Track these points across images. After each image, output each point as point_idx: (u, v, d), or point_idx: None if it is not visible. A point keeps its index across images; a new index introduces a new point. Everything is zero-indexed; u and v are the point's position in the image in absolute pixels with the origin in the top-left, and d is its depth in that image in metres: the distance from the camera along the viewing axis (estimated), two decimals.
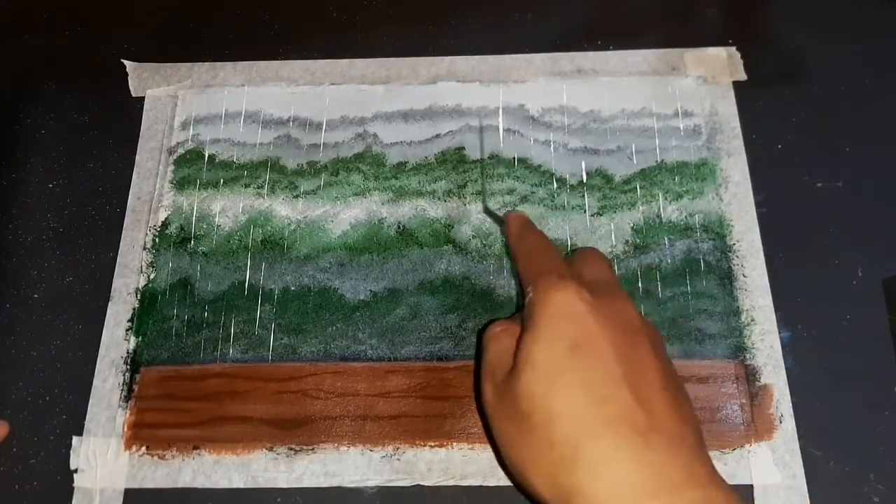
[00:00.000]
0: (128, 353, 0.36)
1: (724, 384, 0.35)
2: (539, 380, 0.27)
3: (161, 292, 0.37)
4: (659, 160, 0.39)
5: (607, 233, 0.38)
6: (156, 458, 0.34)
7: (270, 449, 0.34)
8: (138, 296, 0.37)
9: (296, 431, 0.34)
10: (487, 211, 0.38)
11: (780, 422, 0.34)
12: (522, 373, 0.28)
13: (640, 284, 0.37)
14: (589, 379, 0.27)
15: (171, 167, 0.40)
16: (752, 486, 0.33)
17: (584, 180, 0.39)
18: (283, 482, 0.33)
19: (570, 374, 0.27)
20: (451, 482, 0.33)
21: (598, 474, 0.25)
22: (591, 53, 0.43)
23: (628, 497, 0.25)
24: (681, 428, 0.26)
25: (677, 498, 0.25)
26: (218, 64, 0.43)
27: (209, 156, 0.41)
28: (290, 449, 0.34)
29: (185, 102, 0.42)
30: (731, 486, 0.27)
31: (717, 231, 0.38)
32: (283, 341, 0.36)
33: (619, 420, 0.26)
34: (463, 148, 0.40)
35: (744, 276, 0.37)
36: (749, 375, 0.35)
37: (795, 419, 0.34)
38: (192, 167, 0.40)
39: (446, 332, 0.36)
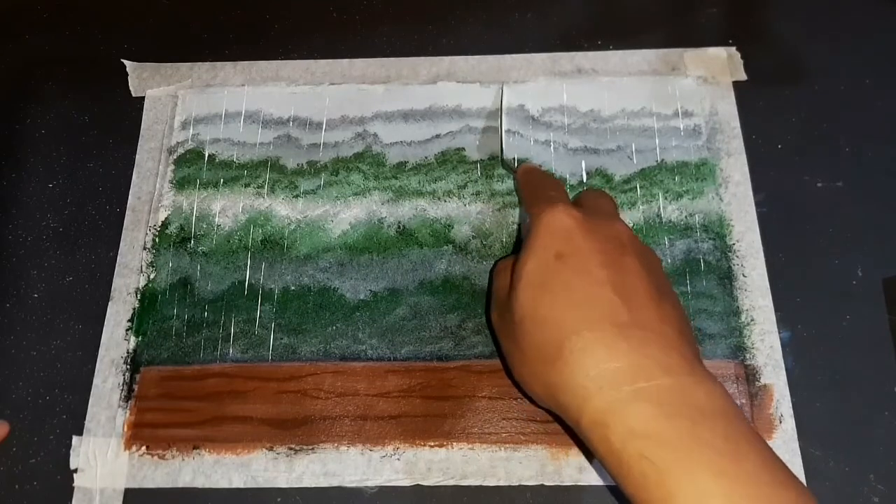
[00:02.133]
0: (128, 352, 0.36)
1: (724, 384, 0.34)
2: (529, 289, 0.29)
3: (161, 292, 0.37)
4: (659, 160, 0.40)
5: None
6: (156, 457, 0.34)
7: (270, 449, 0.34)
8: (138, 296, 0.37)
9: (296, 431, 0.34)
10: (504, 163, 0.39)
11: (780, 422, 0.34)
12: (516, 286, 0.30)
13: None
14: (573, 283, 0.29)
15: (171, 167, 0.40)
16: None
17: (584, 180, 0.39)
18: (283, 482, 0.33)
19: (557, 280, 0.29)
20: (451, 482, 0.33)
21: (577, 366, 0.27)
22: (591, 53, 0.43)
23: (605, 384, 0.26)
24: (659, 325, 0.28)
25: (649, 384, 0.26)
26: (218, 64, 0.43)
27: (209, 156, 0.41)
28: (290, 449, 0.34)
29: (185, 102, 0.42)
30: None
31: (717, 231, 0.38)
32: (283, 341, 0.36)
33: (600, 317, 0.28)
34: (463, 149, 0.40)
35: (744, 276, 0.37)
36: (749, 375, 0.35)
37: (795, 419, 0.34)
38: (192, 167, 0.40)
39: (446, 332, 0.36)
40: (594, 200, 0.34)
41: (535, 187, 0.35)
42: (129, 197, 0.40)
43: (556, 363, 0.28)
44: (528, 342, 0.29)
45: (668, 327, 0.28)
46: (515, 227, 0.38)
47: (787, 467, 0.26)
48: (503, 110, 0.40)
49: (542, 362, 0.28)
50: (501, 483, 0.33)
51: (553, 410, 0.30)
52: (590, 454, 0.33)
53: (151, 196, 0.40)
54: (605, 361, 0.27)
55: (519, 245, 0.35)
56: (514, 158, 0.39)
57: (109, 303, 0.37)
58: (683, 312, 0.31)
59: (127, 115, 0.42)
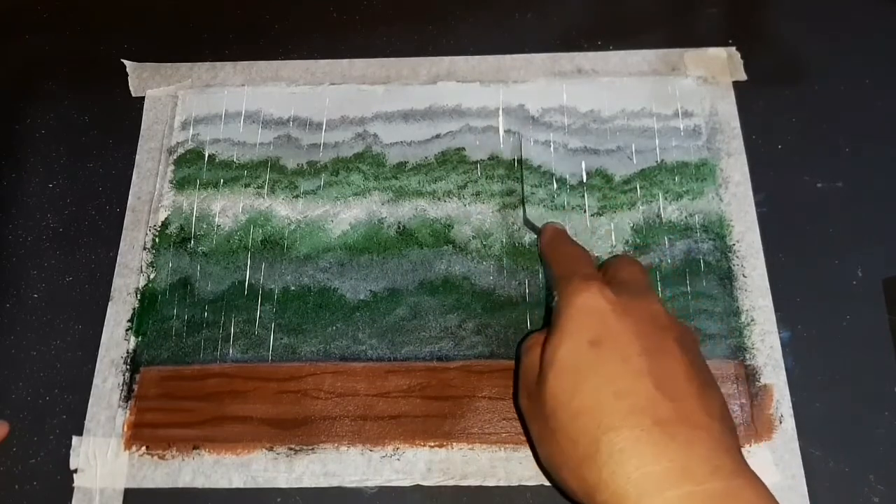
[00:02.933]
0: (128, 352, 0.36)
1: (724, 384, 0.34)
2: (562, 378, 0.28)
3: (161, 292, 0.37)
4: (659, 160, 0.39)
5: (607, 233, 0.38)
6: (156, 457, 0.34)
7: (270, 449, 0.34)
8: (138, 296, 0.37)
9: (296, 431, 0.34)
10: (527, 222, 0.38)
11: (780, 422, 0.34)
12: (547, 373, 0.28)
13: None
14: (610, 373, 0.27)
15: (171, 167, 0.40)
16: None
17: (584, 180, 0.39)
18: (282, 482, 0.33)
19: (592, 369, 0.27)
20: (451, 482, 0.33)
21: (618, 466, 0.25)
22: (591, 53, 0.43)
23: (649, 489, 0.25)
24: (705, 419, 0.26)
25: (698, 489, 0.24)
26: (218, 64, 0.43)
27: (209, 156, 0.41)
28: (290, 449, 0.34)
29: (185, 102, 0.42)
30: None
31: (717, 231, 0.38)
32: (283, 341, 0.36)
33: (640, 411, 0.26)
34: (463, 149, 0.40)
35: (744, 276, 0.37)
36: (749, 375, 0.35)
37: (795, 419, 0.34)
38: (192, 167, 0.40)
39: (446, 332, 0.36)
40: (626, 272, 0.32)
41: (563, 257, 0.33)
42: (129, 197, 0.40)
43: (593, 461, 0.26)
44: (561, 432, 0.27)
45: (713, 421, 0.26)
46: (515, 227, 0.38)
47: None
48: (523, 165, 0.39)
49: (578, 458, 0.26)
50: (501, 483, 0.33)
51: None
52: None
53: (151, 196, 0.40)
54: (649, 464, 0.25)
55: (548, 319, 0.34)
56: (514, 159, 0.39)
57: (109, 303, 0.37)
58: (723, 398, 0.29)
59: (127, 115, 0.42)
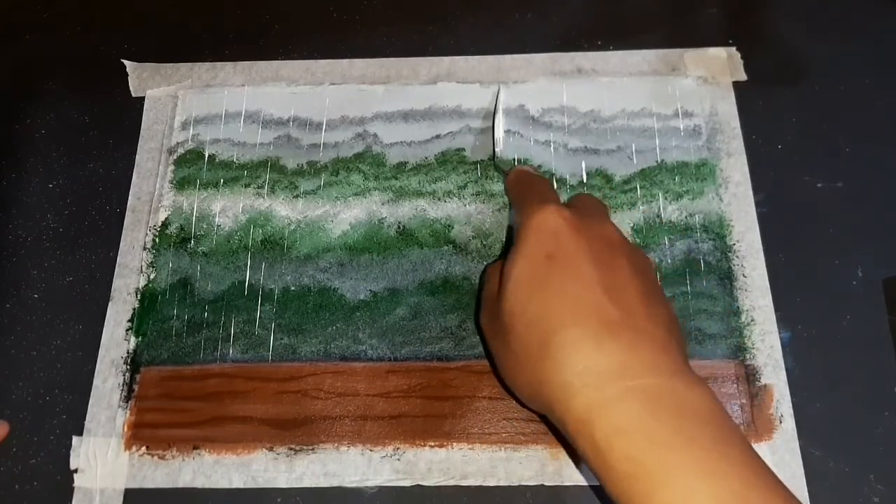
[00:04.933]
0: (128, 353, 0.36)
1: (725, 384, 0.35)
2: (518, 290, 0.29)
3: (161, 292, 0.37)
4: (659, 160, 0.39)
5: None
6: (156, 458, 0.34)
7: (270, 449, 0.34)
8: (138, 296, 0.37)
9: (296, 431, 0.34)
10: (497, 167, 0.39)
11: (780, 422, 0.34)
12: (505, 288, 0.30)
13: None
14: (563, 283, 0.28)
15: (171, 167, 0.40)
16: None
17: (584, 180, 0.39)
18: (283, 482, 0.33)
19: (545, 280, 0.29)
20: (451, 482, 0.33)
21: (563, 362, 0.27)
22: (591, 53, 0.43)
23: (590, 383, 0.26)
24: (650, 326, 0.28)
25: (636, 383, 0.26)
26: (218, 64, 0.43)
27: (209, 156, 0.41)
28: (290, 449, 0.34)
29: (185, 102, 0.42)
30: None
31: (717, 231, 0.38)
32: (283, 341, 0.36)
33: (588, 314, 0.27)
34: (463, 149, 0.40)
35: (744, 276, 0.37)
36: (749, 375, 0.35)
37: (795, 419, 0.34)
38: (192, 167, 0.40)
39: (446, 332, 0.36)
40: (585, 201, 0.34)
41: (525, 188, 0.35)
42: (129, 197, 0.40)
43: (542, 360, 0.28)
44: (516, 342, 0.29)
45: (657, 328, 0.28)
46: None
47: (774, 473, 0.26)
48: (499, 111, 0.40)
49: (529, 360, 0.28)
50: (501, 483, 0.33)
51: (539, 411, 0.30)
52: (576, 456, 0.33)
53: (151, 196, 0.40)
54: (592, 358, 0.27)
55: (508, 248, 0.35)
56: (514, 159, 0.39)
57: (109, 303, 0.37)
58: (674, 315, 0.30)
59: (127, 115, 0.42)
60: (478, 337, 0.36)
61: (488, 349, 0.33)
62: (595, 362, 0.27)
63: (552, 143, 0.40)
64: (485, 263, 0.37)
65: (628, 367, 0.26)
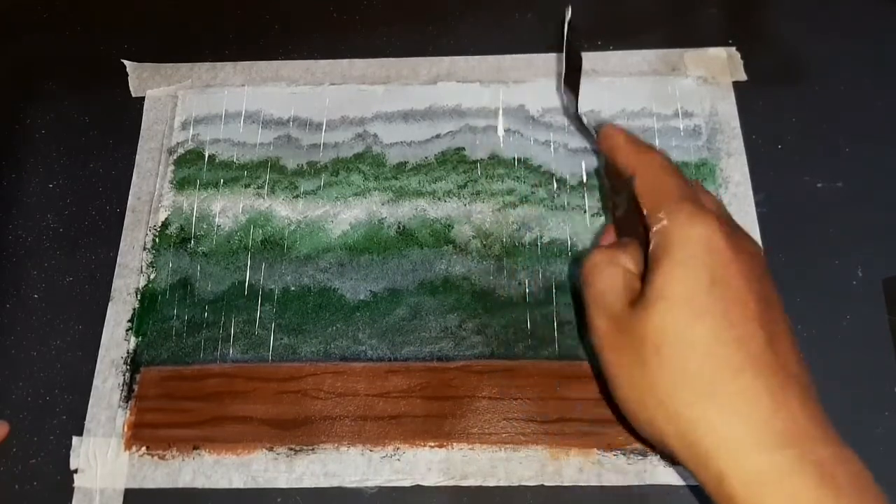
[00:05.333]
0: (128, 353, 0.36)
1: None
2: (675, 311, 0.26)
3: (161, 292, 0.37)
4: None
5: None
6: (156, 458, 0.34)
7: (270, 449, 0.34)
8: (138, 296, 0.37)
9: (296, 431, 0.34)
10: (576, 117, 0.34)
11: None
12: (656, 303, 0.27)
13: None
14: (728, 315, 0.26)
15: (171, 167, 0.40)
16: None
17: (584, 180, 0.39)
18: (283, 482, 0.33)
19: (710, 308, 0.26)
20: (451, 482, 0.33)
21: (733, 412, 0.25)
22: (591, 53, 0.42)
23: (765, 444, 0.24)
24: (806, 376, 0.26)
25: (814, 449, 0.24)
26: (218, 64, 0.43)
27: (209, 156, 0.41)
28: (290, 449, 0.34)
29: (185, 102, 0.42)
30: None
31: None
32: (283, 341, 0.36)
33: (756, 360, 0.25)
34: (463, 148, 0.40)
35: None
36: None
37: None
38: (192, 167, 0.40)
39: (446, 332, 0.36)
40: (708, 196, 0.31)
41: (657, 171, 0.30)
42: (129, 197, 0.40)
43: (703, 399, 0.25)
44: (665, 370, 0.26)
45: (807, 374, 0.26)
46: (515, 227, 0.38)
47: None
48: (567, 38, 0.36)
49: (681, 393, 0.26)
50: (501, 483, 0.33)
51: (661, 446, 0.27)
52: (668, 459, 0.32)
53: (151, 196, 0.40)
54: (771, 415, 0.24)
55: (610, 221, 0.32)
56: (513, 158, 0.39)
57: (109, 303, 0.37)
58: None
59: (127, 115, 0.42)
60: (478, 337, 0.36)
61: (601, 358, 0.29)
62: (767, 421, 0.24)
63: (552, 143, 0.40)
64: (484, 263, 0.37)
65: (802, 429, 0.24)
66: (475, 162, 0.40)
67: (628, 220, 0.31)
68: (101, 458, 0.34)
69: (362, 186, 0.40)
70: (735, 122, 0.40)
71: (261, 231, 0.39)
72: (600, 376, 0.31)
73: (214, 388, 0.35)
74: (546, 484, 0.33)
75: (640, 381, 0.27)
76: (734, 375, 0.25)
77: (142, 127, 0.42)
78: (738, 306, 0.26)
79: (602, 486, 0.33)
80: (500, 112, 0.41)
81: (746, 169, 0.39)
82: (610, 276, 0.29)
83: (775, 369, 0.25)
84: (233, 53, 0.44)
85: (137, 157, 0.41)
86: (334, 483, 0.33)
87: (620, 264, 0.29)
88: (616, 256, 0.30)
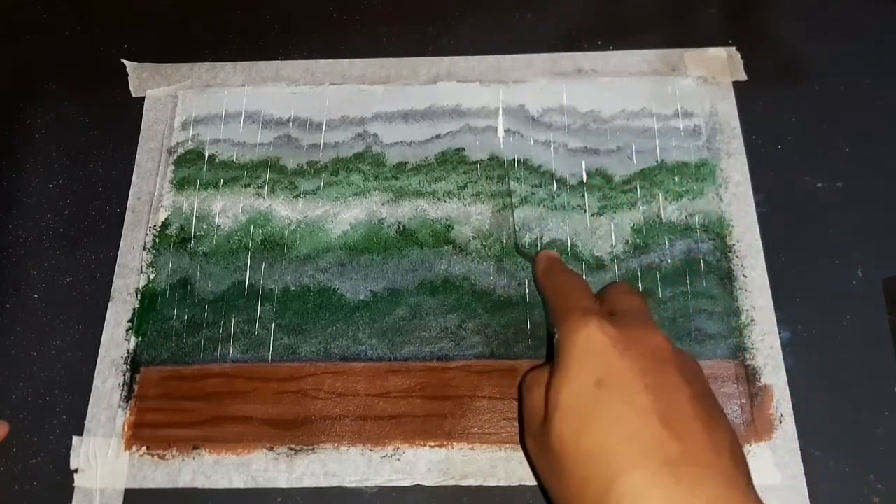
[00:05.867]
0: (128, 353, 0.36)
1: (724, 384, 0.35)
2: (568, 420, 0.27)
3: (161, 292, 0.37)
4: (659, 160, 0.39)
5: (607, 233, 0.38)
6: (156, 458, 0.34)
7: (270, 449, 0.34)
8: (138, 296, 0.37)
9: (296, 431, 0.34)
10: (519, 250, 0.37)
11: (780, 422, 0.34)
12: (553, 415, 0.28)
13: (640, 284, 0.37)
14: (617, 414, 0.26)
15: (171, 167, 0.40)
16: None
17: (584, 180, 0.39)
18: (283, 482, 0.33)
19: (598, 412, 0.27)
20: (451, 482, 0.33)
21: None
22: (591, 53, 0.43)
23: None
24: (713, 457, 0.26)
25: None
26: (218, 64, 0.43)
27: (209, 156, 0.41)
28: (291, 449, 0.34)
29: (185, 102, 0.42)
30: None
31: (717, 231, 0.38)
32: (283, 341, 0.36)
33: (649, 453, 0.25)
34: (463, 149, 0.40)
35: (744, 276, 0.37)
36: (749, 375, 0.35)
37: (795, 419, 0.34)
38: (192, 167, 0.40)
39: (446, 332, 0.36)
40: (625, 302, 0.31)
41: (559, 287, 0.32)
42: (129, 197, 0.40)
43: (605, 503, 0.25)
44: (572, 479, 0.27)
45: (721, 458, 0.26)
46: (515, 228, 0.38)
47: None
48: (515, 195, 0.39)
49: (588, 501, 0.26)
50: (501, 483, 0.33)
51: None
52: None
53: (151, 196, 0.40)
54: None
55: (550, 349, 0.34)
56: (514, 160, 0.39)
57: (109, 303, 0.37)
58: (734, 432, 0.28)
59: (127, 115, 0.42)
60: (477, 337, 0.36)
61: (536, 471, 0.31)
62: None
63: (552, 143, 0.40)
64: (484, 263, 0.37)
65: None
66: (475, 162, 0.40)
67: None
68: (102, 458, 0.34)
69: (362, 186, 0.40)
70: (735, 122, 0.40)
71: (261, 231, 0.39)
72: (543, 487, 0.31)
73: (214, 388, 0.35)
74: None
75: (560, 490, 0.28)
76: (621, 476, 0.25)
77: (142, 127, 0.42)
78: (624, 402, 0.27)
79: None
80: (500, 112, 0.41)
81: (746, 169, 0.39)
82: (532, 398, 0.30)
83: (669, 460, 0.25)
84: (233, 53, 0.44)
85: (137, 157, 0.41)
86: (334, 483, 0.33)
87: (541, 384, 0.30)
88: (539, 377, 0.30)
